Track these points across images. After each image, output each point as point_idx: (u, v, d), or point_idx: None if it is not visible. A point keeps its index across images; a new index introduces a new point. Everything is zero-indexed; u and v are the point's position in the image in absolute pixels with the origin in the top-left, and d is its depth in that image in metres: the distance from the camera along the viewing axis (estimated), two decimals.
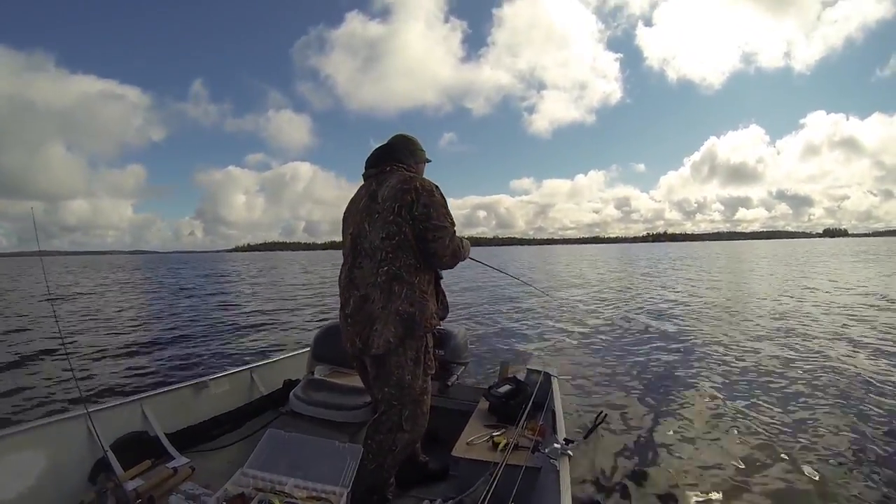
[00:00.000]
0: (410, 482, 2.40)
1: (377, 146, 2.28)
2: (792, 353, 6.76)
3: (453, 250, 2.10)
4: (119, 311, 13.51)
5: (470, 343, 3.34)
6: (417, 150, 2.32)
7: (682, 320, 9.80)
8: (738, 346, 7.31)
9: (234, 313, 12.64)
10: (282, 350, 6.88)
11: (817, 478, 3.20)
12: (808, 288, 15.69)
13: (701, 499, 2.97)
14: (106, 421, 2.28)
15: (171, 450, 2.36)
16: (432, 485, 2.42)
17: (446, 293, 2.34)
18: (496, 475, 1.81)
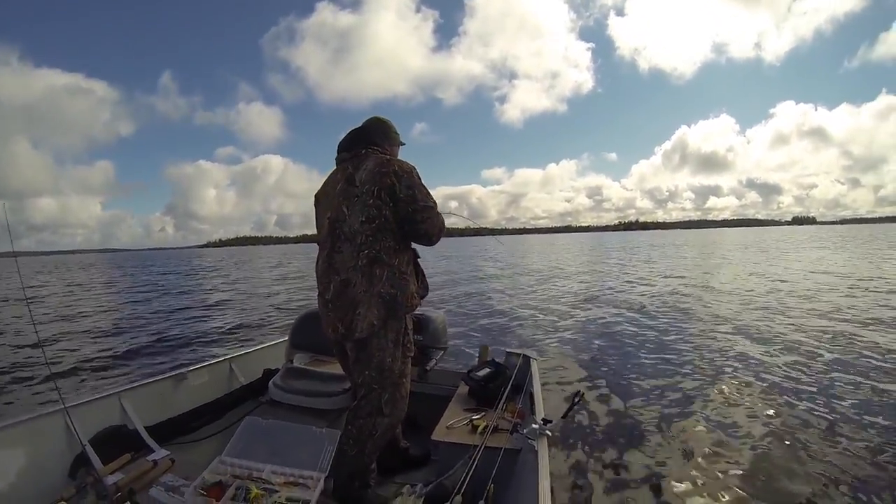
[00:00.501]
0: (392, 468, 2.43)
1: (351, 129, 2.25)
2: (771, 331, 6.96)
3: (440, 227, 2.14)
4: (94, 307, 13.28)
5: (449, 328, 3.36)
6: (391, 133, 2.30)
7: (659, 303, 10.00)
8: (716, 325, 7.48)
9: (210, 306, 12.56)
10: (260, 340, 6.87)
11: (796, 455, 3.25)
12: (785, 271, 16.19)
13: (677, 475, 3.03)
14: (84, 416, 2.26)
15: (151, 443, 2.35)
16: (413, 470, 2.45)
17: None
18: (475, 457, 1.83)
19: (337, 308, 2.03)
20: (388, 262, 2.00)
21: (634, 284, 13.75)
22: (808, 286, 11.90)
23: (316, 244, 2.33)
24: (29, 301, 13.16)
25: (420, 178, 2.09)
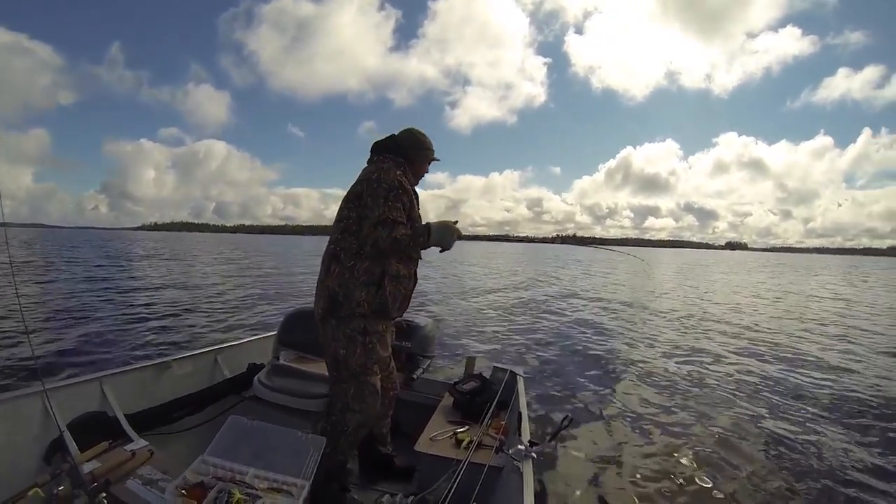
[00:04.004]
0: (374, 475, 2.42)
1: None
2: (754, 354, 7.23)
3: (390, 243, 2.02)
4: (77, 286, 12.86)
5: (438, 337, 3.33)
6: (420, 148, 2.39)
7: (647, 325, 10.01)
8: (708, 348, 7.60)
9: (196, 294, 12.31)
10: (248, 333, 6.79)
11: (785, 476, 3.36)
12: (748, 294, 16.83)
13: None
14: (63, 399, 2.20)
15: (130, 431, 2.30)
16: (396, 480, 2.45)
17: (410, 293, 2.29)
18: (459, 473, 1.82)
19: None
20: (344, 262, 2.12)
21: (610, 301, 13.82)
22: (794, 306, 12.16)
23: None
24: (15, 277, 12.62)
25: (393, 192, 2.09)
